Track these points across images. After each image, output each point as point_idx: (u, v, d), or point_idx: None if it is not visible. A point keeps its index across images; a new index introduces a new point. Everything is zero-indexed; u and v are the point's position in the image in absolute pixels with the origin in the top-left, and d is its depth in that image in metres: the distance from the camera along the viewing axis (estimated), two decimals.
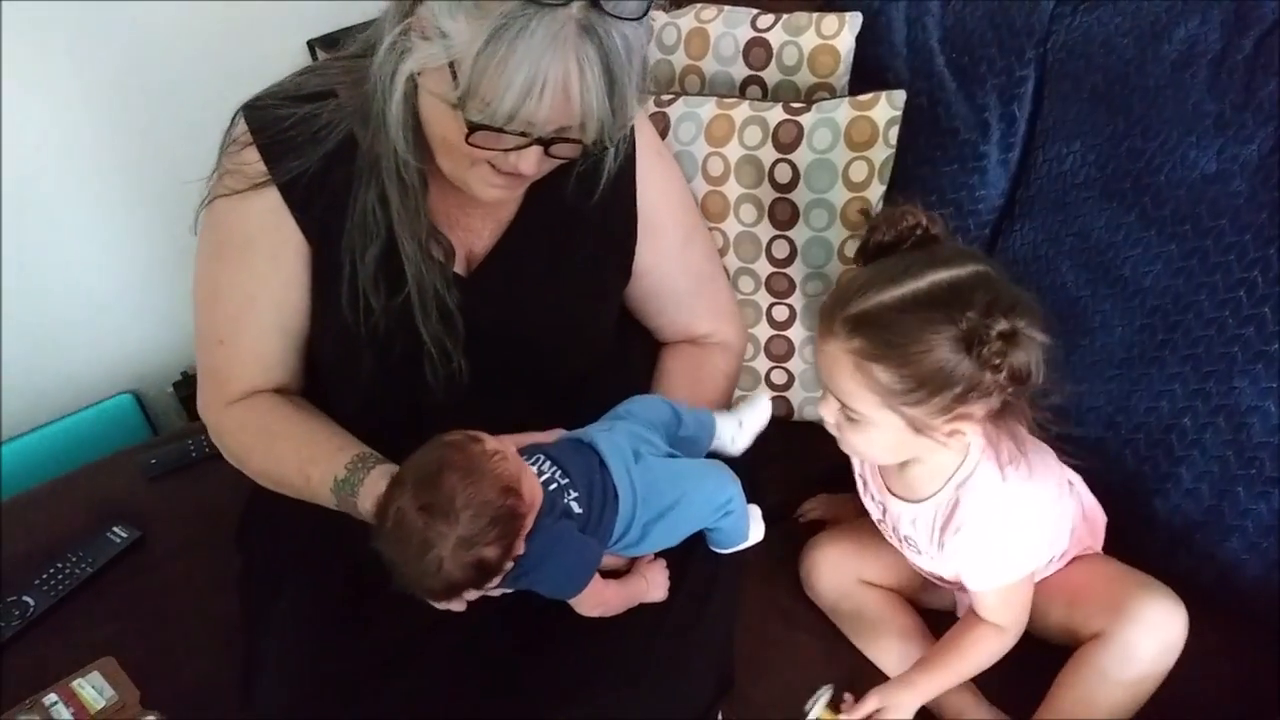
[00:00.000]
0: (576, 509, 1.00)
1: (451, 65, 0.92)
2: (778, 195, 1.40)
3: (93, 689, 1.18)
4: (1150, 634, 1.07)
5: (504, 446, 0.98)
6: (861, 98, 1.37)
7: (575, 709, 1.02)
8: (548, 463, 1.02)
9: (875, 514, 1.20)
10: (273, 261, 1.12)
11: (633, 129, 1.18)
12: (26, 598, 1.30)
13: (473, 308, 1.12)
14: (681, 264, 1.30)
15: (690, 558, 1.11)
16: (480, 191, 1.05)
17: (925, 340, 0.95)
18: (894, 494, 1.14)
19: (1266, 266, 1.13)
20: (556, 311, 1.19)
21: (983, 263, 1.00)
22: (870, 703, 1.10)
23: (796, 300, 1.46)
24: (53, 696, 1.17)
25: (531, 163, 0.98)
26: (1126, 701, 1.07)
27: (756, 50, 1.47)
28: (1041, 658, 1.13)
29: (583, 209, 1.15)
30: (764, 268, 1.45)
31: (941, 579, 1.18)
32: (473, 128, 0.93)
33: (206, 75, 1.79)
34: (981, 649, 1.11)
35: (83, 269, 1.89)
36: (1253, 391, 1.15)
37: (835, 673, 1.20)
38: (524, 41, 0.87)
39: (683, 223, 1.30)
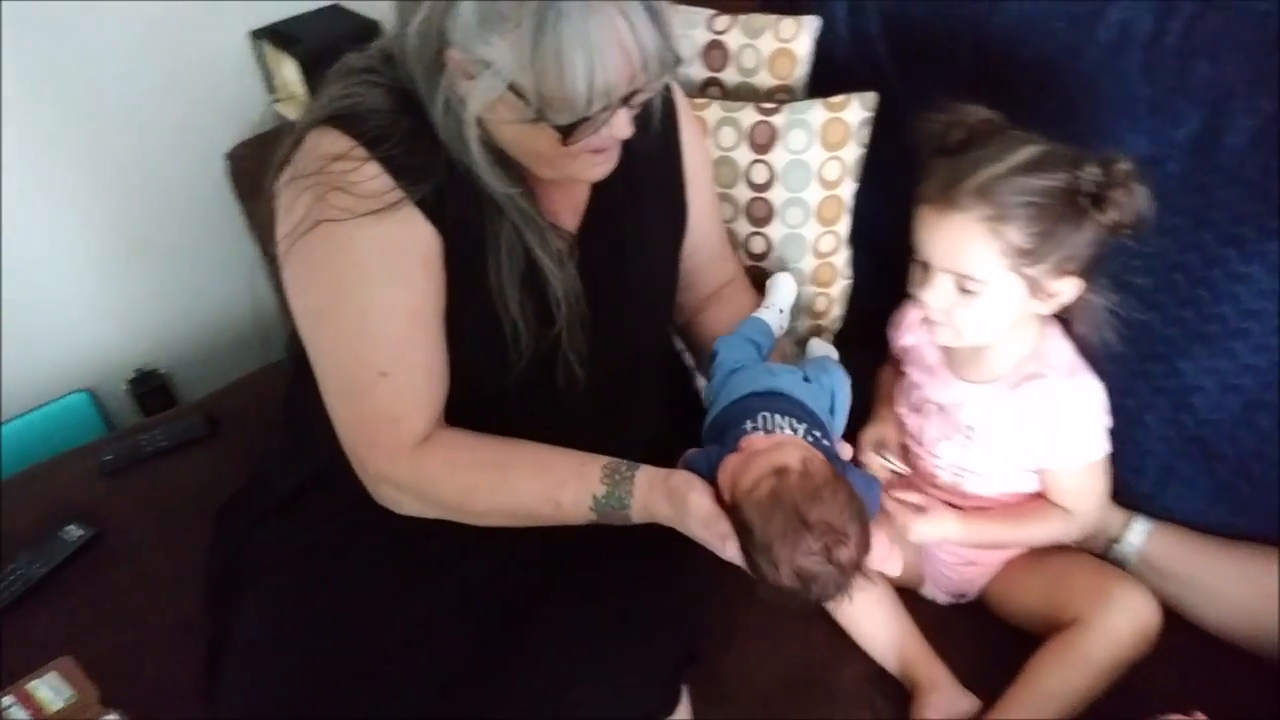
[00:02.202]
0: (821, 437, 1.02)
1: (511, 87, 0.90)
2: (755, 195, 1.41)
3: (49, 689, 1.18)
4: (1131, 619, 1.10)
5: (790, 449, 0.95)
6: (834, 100, 1.37)
7: (532, 679, 1.04)
8: (776, 416, 1.03)
9: (919, 423, 1.22)
10: (426, 269, 1.03)
11: (670, 90, 1.17)
12: None
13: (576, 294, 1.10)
14: (715, 217, 1.33)
15: (649, 527, 1.06)
16: (589, 174, 1.05)
17: (1052, 193, 1.01)
18: (965, 380, 1.17)
19: (1201, 249, 1.15)
20: (641, 280, 1.19)
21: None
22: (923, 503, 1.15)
23: None
24: (8, 699, 1.16)
25: (625, 124, 0.97)
26: (1098, 685, 1.09)
27: (714, 52, 1.47)
28: (1010, 642, 1.16)
29: (642, 176, 1.15)
30: (742, 261, 1.45)
31: (963, 491, 1.20)
32: (564, 130, 0.92)
33: (152, 67, 1.78)
34: (1045, 524, 1.16)
35: (34, 266, 1.87)
36: (1193, 371, 1.18)
37: (805, 647, 1.22)
38: (566, 25, 0.86)
39: (712, 178, 1.34)
